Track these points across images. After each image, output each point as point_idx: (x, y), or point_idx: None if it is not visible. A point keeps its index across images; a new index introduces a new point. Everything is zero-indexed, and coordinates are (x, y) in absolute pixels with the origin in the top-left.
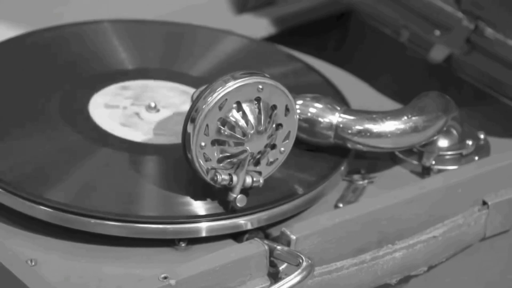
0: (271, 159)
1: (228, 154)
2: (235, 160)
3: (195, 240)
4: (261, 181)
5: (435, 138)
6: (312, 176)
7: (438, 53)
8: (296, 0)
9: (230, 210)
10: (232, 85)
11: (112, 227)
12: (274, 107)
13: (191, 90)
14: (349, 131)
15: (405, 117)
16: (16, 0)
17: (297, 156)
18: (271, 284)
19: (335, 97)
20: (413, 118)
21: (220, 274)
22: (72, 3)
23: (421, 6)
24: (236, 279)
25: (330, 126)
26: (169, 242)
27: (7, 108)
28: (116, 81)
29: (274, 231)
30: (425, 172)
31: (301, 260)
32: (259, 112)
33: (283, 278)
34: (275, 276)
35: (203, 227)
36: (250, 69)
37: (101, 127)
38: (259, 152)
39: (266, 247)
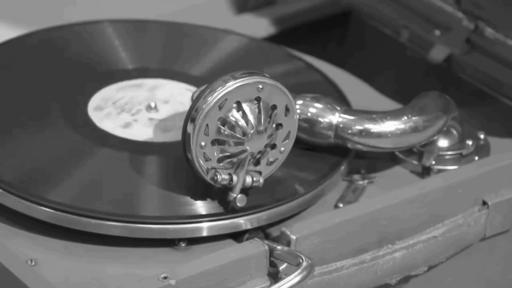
0: (271, 159)
1: (228, 153)
2: (235, 159)
3: (195, 240)
4: (261, 181)
5: (435, 138)
6: (312, 176)
7: (438, 53)
8: (296, 0)
9: (230, 210)
10: (232, 84)
11: (112, 227)
12: (274, 107)
13: (191, 90)
14: (349, 131)
15: (405, 117)
16: (16, 0)
17: (297, 156)
18: (271, 284)
19: (335, 97)
20: (413, 118)
21: (220, 274)
22: (72, 3)
23: (421, 6)
24: (236, 279)
25: (330, 126)
26: (169, 242)
27: (7, 108)
28: (116, 81)
29: (274, 231)
30: (425, 172)
31: (301, 260)
32: (259, 112)
33: (283, 278)
34: (275, 276)
35: (203, 227)
36: (250, 69)
37: (101, 127)
38: (259, 152)
39: (266, 247)
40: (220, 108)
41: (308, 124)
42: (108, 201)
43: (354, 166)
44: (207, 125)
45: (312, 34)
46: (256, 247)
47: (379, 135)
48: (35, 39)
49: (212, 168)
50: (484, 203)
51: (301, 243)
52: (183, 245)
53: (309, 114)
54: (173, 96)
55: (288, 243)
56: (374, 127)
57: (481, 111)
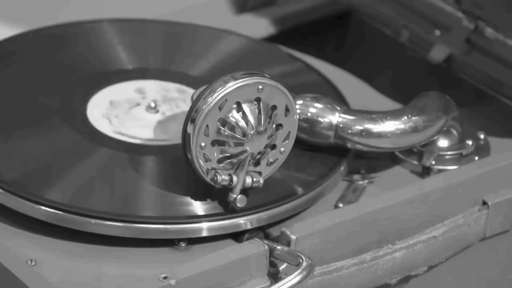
0: (271, 160)
1: (228, 154)
2: (235, 160)
3: (195, 240)
4: (261, 181)
5: (435, 138)
6: (312, 176)
7: (438, 53)
8: (296, 0)
9: (230, 210)
10: (232, 85)
11: (112, 227)
12: (274, 107)
13: (191, 90)
14: (349, 131)
15: (405, 117)
16: (16, 0)
17: (297, 156)
18: (271, 284)
19: (334, 97)
20: (413, 118)
21: (220, 274)
22: (72, 3)
23: (421, 6)
24: (236, 279)
25: (330, 126)
26: (169, 242)
27: (7, 108)
28: (115, 81)
29: (274, 231)
30: (425, 172)
31: (301, 260)
32: (259, 113)
33: (283, 278)
34: (275, 276)
35: (203, 227)
36: (250, 69)
37: (101, 127)
38: (259, 153)
39: (266, 247)
40: (220, 108)
41: (308, 124)
42: (108, 201)
43: (354, 166)
44: (207, 125)
45: (312, 34)
46: (256, 247)
47: (379, 135)
48: (34, 38)
49: (212, 168)
50: (484, 203)
51: (301, 243)
52: (183, 245)
53: (309, 114)
54: (172, 96)
55: (288, 243)
56: (374, 127)
57: (481, 111)
